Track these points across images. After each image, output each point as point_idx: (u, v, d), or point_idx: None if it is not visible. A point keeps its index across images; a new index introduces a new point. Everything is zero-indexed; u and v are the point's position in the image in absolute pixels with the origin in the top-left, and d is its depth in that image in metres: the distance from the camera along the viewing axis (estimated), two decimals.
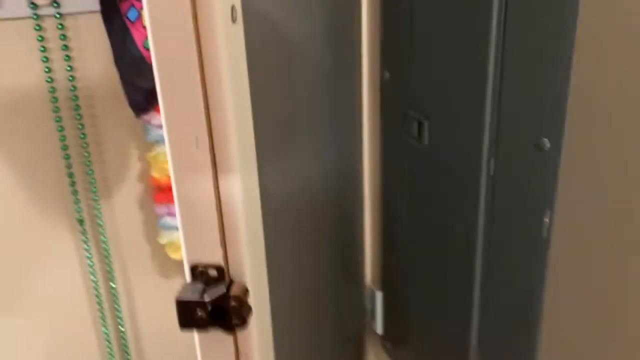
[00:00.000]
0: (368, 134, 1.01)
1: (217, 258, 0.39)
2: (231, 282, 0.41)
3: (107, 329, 1.21)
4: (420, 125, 0.85)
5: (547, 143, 0.64)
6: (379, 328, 1.11)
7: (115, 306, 1.20)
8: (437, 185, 0.85)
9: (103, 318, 1.20)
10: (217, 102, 0.37)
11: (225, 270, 0.40)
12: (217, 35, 0.35)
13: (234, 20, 0.37)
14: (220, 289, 0.40)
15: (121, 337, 1.23)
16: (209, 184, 0.38)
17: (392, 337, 1.10)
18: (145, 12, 0.35)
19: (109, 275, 1.17)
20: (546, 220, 0.67)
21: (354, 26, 0.93)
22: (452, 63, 0.76)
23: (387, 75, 0.93)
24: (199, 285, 0.40)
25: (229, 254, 0.40)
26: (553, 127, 0.64)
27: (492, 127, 0.71)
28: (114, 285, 1.18)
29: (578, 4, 0.58)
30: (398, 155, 0.94)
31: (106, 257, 1.15)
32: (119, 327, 1.22)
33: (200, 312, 0.39)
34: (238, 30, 0.38)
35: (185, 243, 0.40)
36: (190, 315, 0.39)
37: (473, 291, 0.81)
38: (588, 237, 0.65)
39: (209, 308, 0.39)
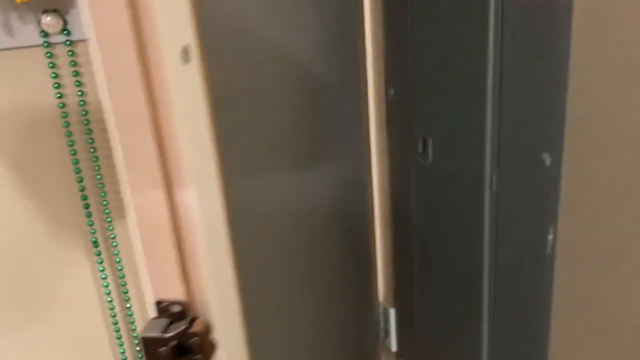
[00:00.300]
0: (376, 149, 1.01)
1: (179, 294, 0.39)
2: (195, 317, 0.41)
3: (124, 350, 1.22)
4: (424, 141, 0.85)
5: (548, 158, 0.64)
6: (393, 345, 1.10)
7: (132, 327, 1.21)
8: (443, 202, 0.84)
9: (119, 337, 1.21)
10: (171, 142, 0.37)
11: (189, 306, 0.40)
12: (166, 77, 0.35)
13: (187, 60, 0.37)
14: (182, 325, 0.40)
15: None
16: (167, 222, 0.38)
17: (407, 354, 1.08)
18: (94, 54, 0.35)
19: (125, 297, 1.18)
20: (550, 236, 0.66)
21: (358, 42, 0.93)
22: (452, 81, 0.76)
23: (391, 91, 0.93)
24: (164, 321, 0.40)
25: (191, 289, 0.40)
26: (553, 143, 0.63)
27: (493, 143, 0.71)
28: (129, 306, 1.19)
29: (571, 20, 0.57)
30: (405, 172, 0.93)
31: (121, 277, 1.17)
32: (136, 348, 1.23)
33: (162, 349, 0.39)
34: (192, 69, 0.38)
35: (148, 279, 0.40)
36: (153, 352, 0.39)
37: (482, 307, 0.80)
38: (593, 253, 0.64)
39: (173, 344, 0.39)
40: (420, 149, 0.86)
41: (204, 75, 0.40)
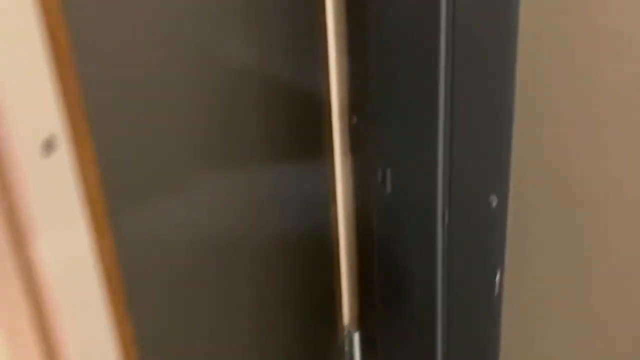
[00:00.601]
0: (341, 174, 1.00)
1: None
2: None
3: None
4: (384, 172, 0.84)
5: (494, 200, 0.63)
6: None
7: None
8: (401, 232, 0.84)
9: None
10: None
11: None
12: (21, 172, 0.33)
13: (50, 151, 0.35)
14: None
15: None
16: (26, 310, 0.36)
17: None
18: None
19: None
20: (498, 277, 0.66)
21: (319, 64, 0.92)
22: (408, 117, 0.76)
23: (354, 119, 0.93)
24: None
25: None
26: (500, 185, 0.63)
27: (444, 181, 0.71)
28: None
29: (515, 69, 0.57)
30: (367, 199, 0.93)
31: None
32: None
33: None
34: (57, 160, 0.36)
35: None
36: None
37: (436, 337, 0.80)
38: (540, 294, 0.64)
39: None
40: (380, 179, 0.86)
41: (78, 160, 0.37)
